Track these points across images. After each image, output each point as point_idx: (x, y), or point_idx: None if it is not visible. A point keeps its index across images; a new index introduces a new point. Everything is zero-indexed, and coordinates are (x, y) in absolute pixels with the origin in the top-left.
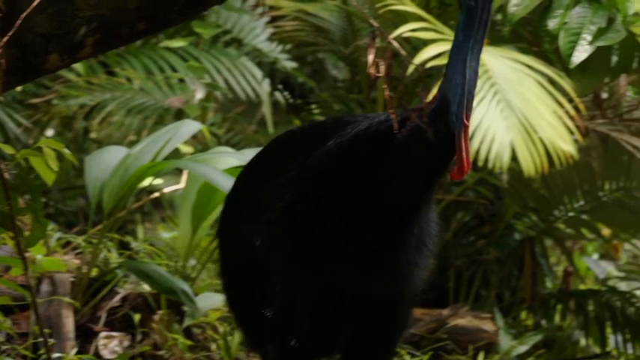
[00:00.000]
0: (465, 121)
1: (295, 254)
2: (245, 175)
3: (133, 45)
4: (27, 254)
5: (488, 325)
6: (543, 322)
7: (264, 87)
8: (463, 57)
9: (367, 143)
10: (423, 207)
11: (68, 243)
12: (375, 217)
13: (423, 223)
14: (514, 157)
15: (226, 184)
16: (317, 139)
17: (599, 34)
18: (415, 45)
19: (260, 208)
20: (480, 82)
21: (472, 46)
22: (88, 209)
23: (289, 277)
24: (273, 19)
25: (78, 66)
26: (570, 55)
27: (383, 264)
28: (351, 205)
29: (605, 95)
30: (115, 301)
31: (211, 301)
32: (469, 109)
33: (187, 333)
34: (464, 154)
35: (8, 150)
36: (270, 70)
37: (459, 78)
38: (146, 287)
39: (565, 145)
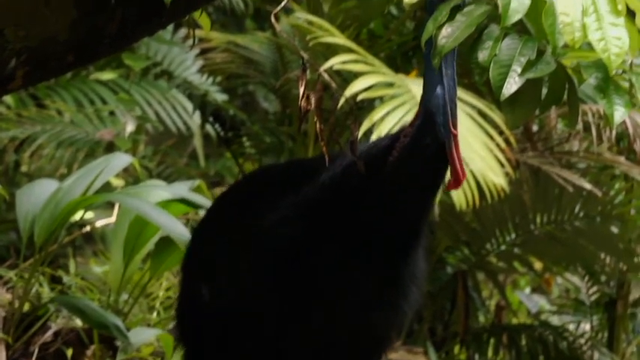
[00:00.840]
0: (452, 129)
1: (291, 291)
2: (221, 214)
3: (63, 77)
4: None
5: None
6: (476, 357)
7: (195, 119)
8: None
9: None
10: (420, 233)
11: None
12: (375, 246)
13: (415, 255)
14: (445, 190)
15: (158, 217)
16: (303, 175)
17: (529, 66)
18: (346, 77)
19: (249, 247)
20: (410, 115)
21: None
22: (19, 243)
23: (282, 314)
24: (204, 51)
25: (8, 98)
26: (501, 87)
27: (380, 297)
28: (350, 237)
29: (535, 128)
30: (48, 336)
31: (144, 336)
32: (454, 116)
33: None
34: (457, 162)
35: None
36: (201, 102)
37: (437, 88)
38: (78, 322)
39: (496, 177)
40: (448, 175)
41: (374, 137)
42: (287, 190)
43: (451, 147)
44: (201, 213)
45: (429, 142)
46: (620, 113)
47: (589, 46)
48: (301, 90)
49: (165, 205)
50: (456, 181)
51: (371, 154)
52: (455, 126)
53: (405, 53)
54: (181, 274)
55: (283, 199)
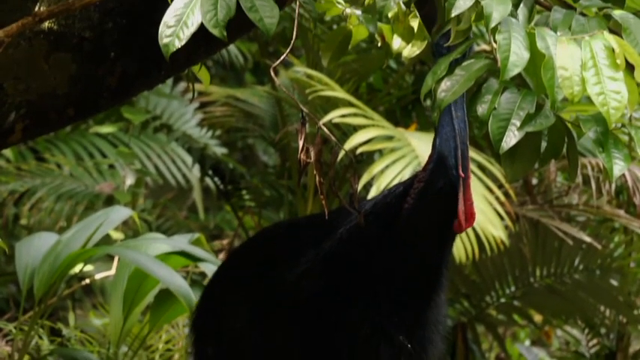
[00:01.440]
0: (461, 172)
1: (316, 343)
2: (235, 272)
3: (62, 131)
4: None
5: None
6: None
7: (195, 173)
8: (448, 109)
9: (377, 220)
10: (441, 277)
11: None
12: (397, 293)
13: (438, 299)
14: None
15: (157, 270)
16: (319, 230)
17: (528, 120)
18: (345, 131)
19: (271, 303)
20: (409, 169)
21: None
22: (18, 296)
23: None
24: (203, 105)
25: (7, 152)
26: (500, 141)
27: (407, 344)
28: (372, 286)
29: (535, 181)
30: None
31: None
32: (465, 158)
33: None
34: (462, 205)
35: None
36: (201, 155)
37: (448, 131)
38: None
39: (495, 230)
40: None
41: (373, 190)
42: (304, 246)
43: (459, 190)
44: (201, 266)
45: (442, 185)
46: (619, 167)
47: (588, 100)
48: (300, 143)
49: (164, 257)
50: (463, 223)
51: (386, 203)
52: (465, 168)
53: (405, 107)
54: (191, 335)
55: (303, 254)
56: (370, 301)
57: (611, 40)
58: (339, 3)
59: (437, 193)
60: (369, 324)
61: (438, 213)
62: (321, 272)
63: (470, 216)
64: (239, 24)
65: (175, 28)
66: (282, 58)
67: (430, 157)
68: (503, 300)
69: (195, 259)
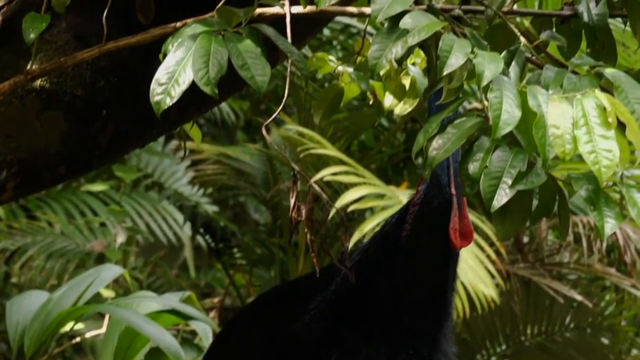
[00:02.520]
0: (453, 189)
1: None
2: (238, 333)
3: (53, 188)
4: None
5: None
6: None
7: (186, 231)
8: None
9: (379, 252)
10: (449, 303)
11: None
12: (407, 323)
13: (448, 325)
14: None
15: (148, 328)
16: (322, 285)
17: (519, 178)
18: (337, 188)
19: (280, 352)
20: None
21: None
22: (9, 354)
23: None
24: (195, 163)
25: None
26: (491, 199)
27: None
28: (381, 319)
29: (526, 239)
30: None
31: None
32: (457, 175)
33: None
34: (455, 224)
35: None
36: (192, 213)
37: None
38: None
39: (486, 289)
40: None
41: None
42: (309, 299)
43: (454, 207)
44: (192, 324)
45: (438, 203)
46: (610, 225)
47: (580, 159)
48: (292, 201)
49: (155, 316)
50: (466, 239)
51: (384, 232)
52: (458, 185)
53: (396, 165)
54: None
55: (308, 305)
56: (382, 335)
57: (603, 98)
58: (330, 61)
59: (433, 212)
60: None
61: (437, 233)
62: (329, 312)
63: (468, 234)
64: (231, 82)
65: (167, 85)
66: (273, 116)
67: (421, 178)
68: (494, 359)
69: (186, 318)
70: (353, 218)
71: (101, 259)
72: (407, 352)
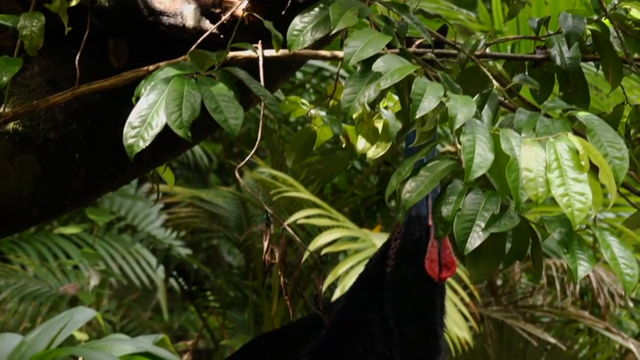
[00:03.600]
0: (430, 221)
1: None
2: None
3: (26, 231)
4: None
5: None
6: None
7: (159, 274)
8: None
9: (366, 291)
10: (438, 339)
11: None
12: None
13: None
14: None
15: None
16: (311, 329)
17: (492, 221)
18: (310, 231)
19: None
20: None
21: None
22: None
23: None
24: (168, 206)
25: None
26: (464, 242)
27: None
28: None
29: (499, 282)
30: None
31: None
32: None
33: None
34: (434, 255)
35: None
36: (165, 256)
37: None
38: None
39: (460, 331)
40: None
41: (338, 291)
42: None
43: (433, 239)
44: None
45: (420, 235)
46: (583, 268)
47: (553, 202)
48: (265, 244)
49: (128, 359)
50: (449, 270)
51: (369, 271)
52: None
53: (370, 208)
54: None
55: (300, 348)
56: None
57: (576, 141)
58: (303, 104)
59: (415, 244)
60: None
61: (420, 265)
62: (323, 356)
63: (450, 264)
64: (204, 125)
65: (140, 129)
66: (247, 159)
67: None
68: None
69: None
70: (326, 261)
71: (74, 301)
72: None
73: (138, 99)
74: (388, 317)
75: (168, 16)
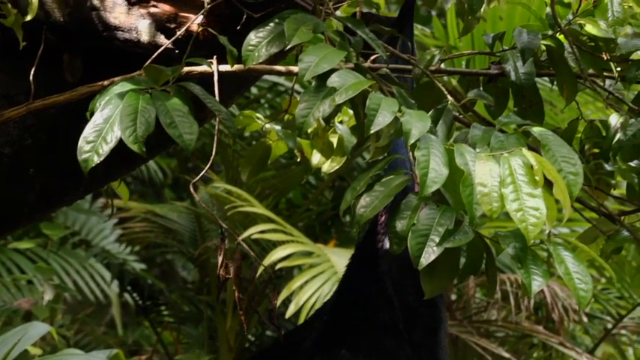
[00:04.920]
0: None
1: None
2: None
3: None
4: None
5: None
6: None
7: (113, 288)
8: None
9: (362, 268)
10: (440, 312)
11: None
12: (409, 336)
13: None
14: None
15: None
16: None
17: (447, 236)
18: (264, 246)
19: None
20: (328, 285)
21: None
22: None
23: None
24: (122, 221)
25: None
26: (419, 257)
27: None
28: (381, 336)
29: (454, 297)
30: None
31: None
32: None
33: None
34: None
35: None
36: (119, 271)
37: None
38: None
39: None
40: None
41: (292, 306)
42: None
43: None
44: None
45: None
46: (537, 283)
47: (507, 217)
48: (220, 259)
49: None
50: None
51: (359, 250)
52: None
53: (324, 222)
54: None
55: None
56: (379, 345)
57: (530, 156)
58: (258, 118)
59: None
60: None
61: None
62: (327, 338)
63: None
64: (158, 140)
65: (94, 143)
66: (201, 174)
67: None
68: None
69: None
70: (281, 276)
71: (28, 316)
72: None
73: (92, 114)
74: (387, 287)
75: (123, 31)
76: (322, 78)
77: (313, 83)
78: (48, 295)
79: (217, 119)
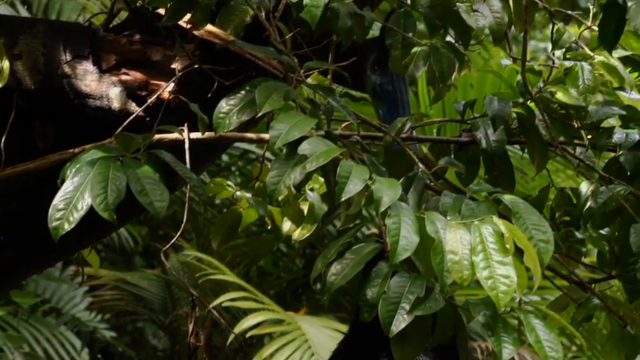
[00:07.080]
0: None
1: None
2: None
3: None
4: None
5: None
6: None
7: (84, 356)
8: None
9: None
10: None
11: None
12: None
13: None
14: None
15: None
16: None
17: (417, 304)
18: (235, 314)
19: None
20: (299, 353)
21: None
22: None
23: None
24: (93, 288)
25: None
26: (389, 324)
27: None
28: None
29: None
30: None
31: None
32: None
33: None
34: None
35: None
36: (90, 339)
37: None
38: None
39: None
40: None
41: None
42: None
43: None
44: None
45: None
46: (508, 351)
47: (478, 284)
48: (190, 327)
49: None
50: None
51: (357, 321)
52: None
53: (295, 290)
54: None
55: None
56: None
57: (501, 224)
58: (229, 186)
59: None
60: None
61: None
62: None
63: None
64: (129, 207)
65: (65, 211)
66: (172, 241)
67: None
68: None
69: None
70: (252, 344)
71: None
72: None
73: (63, 181)
74: None
75: (94, 98)
76: (293, 145)
77: (284, 151)
78: None
79: (188, 187)
